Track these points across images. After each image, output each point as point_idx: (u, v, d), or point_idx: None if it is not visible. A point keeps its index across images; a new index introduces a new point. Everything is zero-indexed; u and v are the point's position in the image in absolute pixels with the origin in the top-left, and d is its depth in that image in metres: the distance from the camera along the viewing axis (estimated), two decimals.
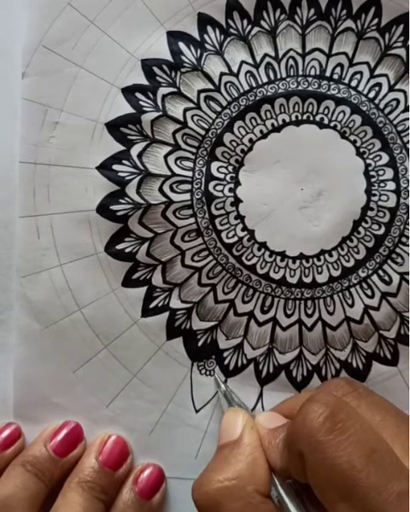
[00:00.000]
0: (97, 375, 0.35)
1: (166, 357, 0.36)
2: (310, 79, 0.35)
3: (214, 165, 0.35)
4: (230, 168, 0.35)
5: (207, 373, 0.36)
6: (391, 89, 0.35)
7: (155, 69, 0.34)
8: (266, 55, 0.35)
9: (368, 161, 0.35)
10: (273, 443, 0.29)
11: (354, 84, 0.35)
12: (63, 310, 0.35)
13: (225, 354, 0.36)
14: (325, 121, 0.35)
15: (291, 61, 0.35)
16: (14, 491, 0.33)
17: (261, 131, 0.35)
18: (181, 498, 0.36)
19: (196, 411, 0.36)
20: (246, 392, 0.36)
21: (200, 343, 0.36)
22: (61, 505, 0.33)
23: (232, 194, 0.35)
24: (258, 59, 0.35)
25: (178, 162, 0.35)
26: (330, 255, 0.36)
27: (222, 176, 0.35)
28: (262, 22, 0.34)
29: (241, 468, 0.28)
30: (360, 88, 0.35)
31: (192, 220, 0.35)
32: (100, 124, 0.34)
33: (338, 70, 0.35)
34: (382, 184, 0.35)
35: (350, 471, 0.24)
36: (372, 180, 0.35)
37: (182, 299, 0.35)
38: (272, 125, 0.35)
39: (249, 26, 0.34)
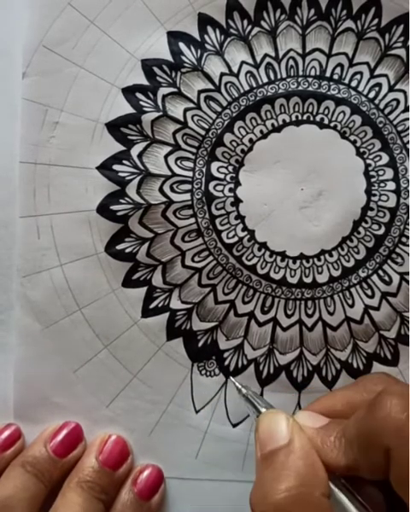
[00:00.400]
0: (97, 376, 0.35)
1: (166, 357, 0.36)
2: (310, 79, 0.35)
3: (215, 166, 0.35)
4: (230, 168, 0.35)
5: (208, 373, 0.36)
6: (391, 89, 0.35)
7: (156, 69, 0.34)
8: (266, 55, 0.35)
9: (368, 161, 0.35)
10: (329, 441, 0.28)
11: (354, 84, 0.35)
12: (63, 310, 0.35)
13: (226, 355, 0.36)
14: (326, 121, 0.35)
15: (291, 62, 0.35)
16: (14, 492, 0.33)
17: (261, 131, 0.35)
18: (181, 498, 0.36)
19: (196, 412, 0.36)
20: None
21: (200, 344, 0.36)
22: (60, 505, 0.33)
23: (232, 195, 0.35)
24: (258, 59, 0.35)
25: (178, 162, 0.35)
26: (331, 255, 0.36)
27: (222, 176, 0.35)
28: (262, 22, 0.35)
29: (303, 472, 0.26)
30: (360, 88, 0.35)
31: (192, 220, 0.35)
32: (100, 124, 0.34)
33: (338, 70, 0.35)
34: (382, 184, 0.35)
35: None
36: (372, 180, 0.35)
37: (182, 299, 0.35)
38: (273, 125, 0.35)
39: (250, 27, 0.34)
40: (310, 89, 0.35)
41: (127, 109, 0.34)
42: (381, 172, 0.35)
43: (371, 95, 0.35)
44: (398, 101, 0.35)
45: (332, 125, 0.35)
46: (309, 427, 0.29)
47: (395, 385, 0.27)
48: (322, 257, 0.35)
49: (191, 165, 0.35)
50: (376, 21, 0.35)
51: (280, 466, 0.27)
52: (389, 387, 0.27)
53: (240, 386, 0.33)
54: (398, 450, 0.24)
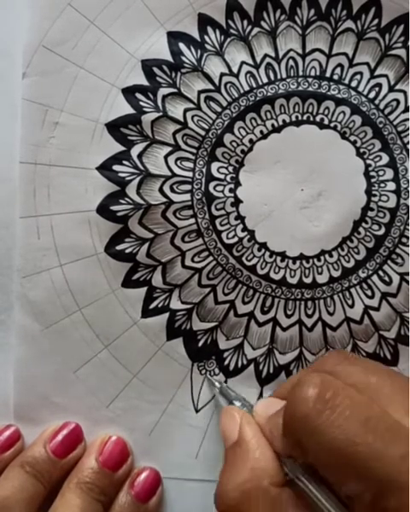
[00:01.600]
0: (97, 376, 0.35)
1: (166, 357, 0.36)
2: (310, 80, 0.35)
3: (215, 166, 0.35)
4: (230, 168, 0.35)
5: (208, 373, 0.36)
6: (391, 89, 0.35)
7: (156, 70, 0.34)
8: (266, 55, 0.35)
9: (368, 162, 0.35)
10: (274, 429, 0.28)
11: (354, 84, 0.35)
12: (63, 310, 0.35)
13: (226, 355, 0.36)
14: (326, 122, 0.35)
15: (291, 62, 0.35)
16: (12, 493, 0.32)
17: (262, 132, 0.35)
18: (181, 499, 0.36)
19: (197, 411, 0.36)
20: (246, 392, 0.36)
21: (200, 344, 0.36)
22: (59, 506, 0.33)
23: (233, 195, 0.35)
24: (258, 59, 0.35)
25: (178, 163, 0.35)
26: (331, 255, 0.36)
27: (222, 176, 0.35)
28: (262, 23, 0.35)
29: (250, 467, 0.28)
30: (361, 88, 0.35)
31: (192, 221, 0.35)
32: (100, 124, 0.34)
33: (338, 70, 0.35)
34: (382, 185, 0.35)
35: (349, 447, 0.24)
36: (372, 180, 0.35)
37: (182, 299, 0.35)
38: (273, 125, 0.35)
39: (250, 27, 0.34)
40: (310, 89, 0.35)
41: (127, 110, 0.34)
42: (381, 173, 0.35)
43: (372, 95, 0.35)
44: (398, 102, 0.35)
45: (332, 125, 0.35)
46: (263, 416, 0.30)
47: (313, 376, 0.27)
48: (322, 257, 0.35)
49: (191, 165, 0.35)
50: (376, 21, 0.35)
51: (230, 464, 0.29)
52: (303, 377, 0.27)
53: (214, 382, 0.35)
54: (307, 442, 0.25)
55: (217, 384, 0.35)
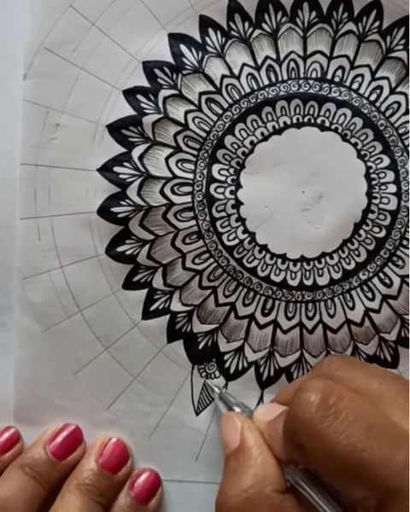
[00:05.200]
0: (98, 378, 0.35)
1: (166, 359, 0.36)
2: (311, 82, 0.35)
3: (215, 168, 0.35)
4: (231, 170, 0.35)
5: (208, 376, 0.36)
6: (392, 91, 0.35)
7: (157, 71, 0.34)
8: (267, 57, 0.35)
9: (369, 164, 0.35)
10: (275, 435, 0.28)
11: (355, 86, 0.35)
12: (64, 311, 0.35)
13: (226, 357, 0.36)
14: (326, 124, 0.35)
15: (292, 64, 0.35)
16: (11, 494, 0.32)
17: (263, 134, 0.35)
18: (181, 501, 0.36)
19: (197, 414, 0.36)
20: (247, 395, 0.36)
21: (200, 346, 0.36)
22: (58, 507, 0.33)
23: (233, 197, 0.35)
24: (259, 61, 0.35)
25: (179, 164, 0.35)
26: (331, 258, 0.36)
27: (223, 178, 0.35)
28: (263, 25, 0.35)
29: (252, 473, 0.27)
30: (361, 90, 0.35)
31: (193, 222, 0.35)
32: (101, 126, 0.34)
33: (339, 73, 0.35)
34: (383, 187, 0.35)
35: (353, 452, 0.24)
36: (373, 183, 0.35)
37: (183, 301, 0.35)
38: (274, 127, 0.35)
39: (251, 29, 0.34)
40: (311, 91, 0.35)
41: (128, 111, 0.34)
42: (382, 175, 0.35)
43: (373, 97, 0.35)
44: (399, 104, 0.35)
45: (333, 127, 0.35)
46: (263, 421, 0.30)
47: (315, 380, 0.27)
48: (323, 259, 0.35)
49: (192, 167, 0.35)
50: (377, 24, 0.35)
51: (232, 470, 0.28)
52: (306, 382, 0.27)
53: (214, 387, 0.35)
54: (310, 447, 0.25)
55: (216, 389, 0.35)
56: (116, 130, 0.34)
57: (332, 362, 0.30)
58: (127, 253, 0.35)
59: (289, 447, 0.27)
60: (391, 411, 0.26)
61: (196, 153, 0.35)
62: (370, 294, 0.36)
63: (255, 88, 0.35)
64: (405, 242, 0.36)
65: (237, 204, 0.35)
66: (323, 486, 0.26)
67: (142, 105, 0.34)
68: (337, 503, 0.26)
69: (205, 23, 0.34)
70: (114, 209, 0.34)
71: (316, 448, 0.25)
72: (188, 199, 0.35)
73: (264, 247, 0.35)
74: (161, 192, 0.35)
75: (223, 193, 0.35)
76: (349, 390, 0.26)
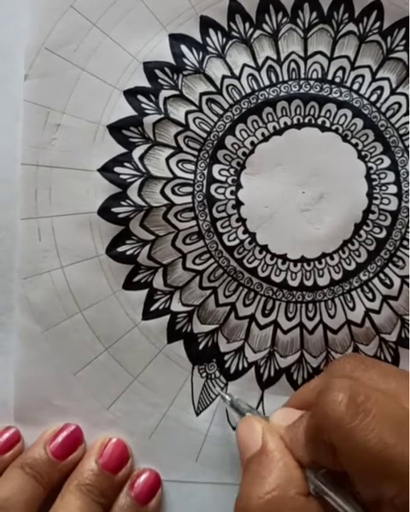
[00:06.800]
0: (98, 378, 0.35)
1: (166, 360, 0.36)
2: (312, 82, 0.35)
3: (216, 168, 0.35)
4: (231, 171, 0.35)
5: (208, 376, 0.36)
6: (393, 92, 0.35)
7: (157, 72, 0.34)
8: (268, 57, 0.35)
9: (370, 164, 0.35)
10: (295, 439, 0.28)
11: (355, 87, 0.35)
12: (64, 312, 0.35)
13: (226, 357, 0.36)
14: (327, 124, 0.35)
15: (293, 64, 0.35)
16: (11, 494, 0.32)
17: (263, 134, 0.35)
18: (181, 502, 0.36)
19: (197, 415, 0.36)
20: (247, 396, 0.36)
21: (201, 346, 0.36)
22: (59, 508, 0.33)
23: (234, 197, 0.35)
24: (260, 62, 0.35)
25: (179, 165, 0.35)
26: (332, 258, 0.36)
27: (224, 178, 0.35)
28: (264, 25, 0.35)
29: (276, 476, 0.27)
30: (362, 91, 0.35)
31: (193, 223, 0.35)
32: (102, 126, 0.34)
33: (340, 73, 0.35)
34: (383, 187, 0.35)
35: (385, 449, 0.24)
36: (374, 183, 0.35)
37: (183, 302, 0.35)
38: (274, 127, 0.35)
39: (251, 29, 0.34)
40: (312, 92, 0.35)
41: (129, 111, 0.34)
42: (382, 175, 0.35)
43: (373, 98, 0.35)
44: (400, 105, 0.35)
45: (334, 127, 0.35)
46: (281, 426, 0.30)
47: (341, 379, 0.27)
48: (323, 260, 0.35)
49: (193, 167, 0.35)
50: (378, 24, 0.35)
51: (254, 473, 0.28)
52: (332, 381, 0.27)
53: (225, 395, 0.35)
54: (341, 445, 0.25)
55: (227, 397, 0.35)
56: (117, 130, 0.34)
57: (347, 362, 0.30)
58: (128, 253, 0.35)
59: (314, 448, 0.27)
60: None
61: (196, 153, 0.35)
62: (370, 295, 0.36)
63: (256, 88, 0.35)
64: (405, 243, 0.36)
65: (238, 204, 0.35)
66: (346, 490, 0.26)
67: (142, 105, 0.34)
68: (361, 507, 0.26)
69: (206, 23, 0.34)
70: (115, 209, 0.34)
71: (347, 446, 0.25)
72: (188, 199, 0.35)
73: (264, 248, 0.35)
74: (162, 192, 0.35)
75: (223, 193, 0.35)
76: (373, 389, 0.27)
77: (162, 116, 0.34)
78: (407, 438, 0.24)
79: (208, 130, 0.35)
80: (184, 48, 0.34)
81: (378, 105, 0.35)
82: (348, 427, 0.25)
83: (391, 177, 0.35)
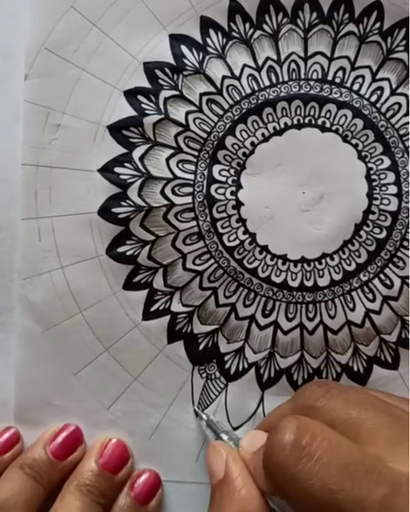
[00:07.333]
0: (98, 378, 0.35)
1: (167, 360, 0.36)
2: (312, 83, 0.35)
3: (216, 168, 0.35)
4: (231, 171, 0.35)
5: (208, 377, 0.36)
6: (393, 93, 0.35)
7: (158, 72, 0.34)
8: (268, 58, 0.35)
9: (370, 165, 0.35)
10: (257, 467, 0.28)
11: (355, 87, 0.35)
12: (64, 312, 0.35)
13: (226, 358, 0.36)
14: (327, 125, 0.35)
15: (293, 65, 0.35)
16: (11, 494, 0.32)
17: (263, 135, 0.35)
18: (181, 502, 0.36)
19: (197, 415, 0.36)
20: (247, 396, 0.36)
21: (201, 347, 0.36)
22: (58, 508, 0.33)
23: (234, 198, 0.35)
24: (260, 62, 0.35)
25: (179, 165, 0.35)
26: (332, 259, 0.36)
27: (224, 179, 0.35)
28: (264, 26, 0.35)
29: (237, 504, 0.27)
30: (362, 92, 0.35)
31: (194, 223, 0.35)
32: (102, 126, 0.34)
33: (340, 74, 0.35)
34: (383, 188, 0.35)
35: (328, 494, 0.23)
36: (374, 184, 0.35)
37: (183, 302, 0.35)
38: (274, 128, 0.35)
39: (252, 30, 0.34)
40: (312, 92, 0.35)
41: (129, 112, 0.34)
42: (383, 176, 0.35)
43: (373, 98, 0.35)
44: (400, 105, 0.35)
45: (334, 128, 0.35)
46: (248, 451, 0.30)
47: (289, 420, 0.26)
48: (323, 260, 0.35)
49: (193, 168, 0.35)
50: (378, 25, 0.35)
51: (218, 502, 0.28)
52: (282, 421, 0.26)
53: (200, 413, 0.35)
54: (285, 490, 0.25)
55: (204, 416, 0.35)
56: (117, 130, 0.34)
57: (312, 392, 0.29)
58: (128, 253, 0.35)
59: (269, 484, 0.27)
60: (370, 442, 0.25)
61: (196, 153, 0.35)
62: (370, 295, 0.36)
63: (256, 89, 0.35)
64: (405, 243, 0.36)
65: (238, 205, 0.35)
66: None
67: (143, 106, 0.34)
68: None
69: (206, 24, 0.34)
70: (115, 210, 0.34)
71: (291, 491, 0.24)
72: (188, 199, 0.35)
73: (264, 248, 0.35)
74: (162, 193, 0.35)
75: (223, 194, 0.35)
76: (326, 424, 0.26)
77: (162, 116, 0.34)
78: (354, 480, 0.23)
79: (209, 130, 0.35)
80: (184, 48, 0.34)
81: (378, 105, 0.35)
82: (292, 472, 0.24)
83: (391, 177, 0.35)
